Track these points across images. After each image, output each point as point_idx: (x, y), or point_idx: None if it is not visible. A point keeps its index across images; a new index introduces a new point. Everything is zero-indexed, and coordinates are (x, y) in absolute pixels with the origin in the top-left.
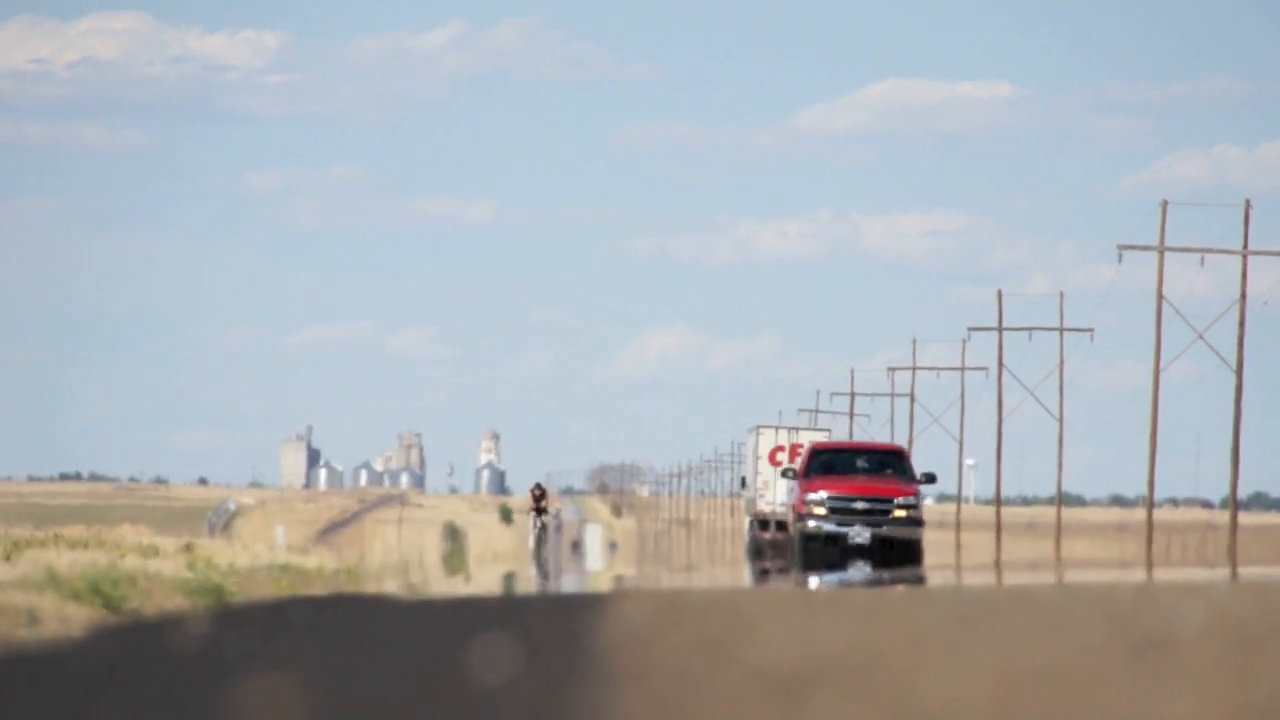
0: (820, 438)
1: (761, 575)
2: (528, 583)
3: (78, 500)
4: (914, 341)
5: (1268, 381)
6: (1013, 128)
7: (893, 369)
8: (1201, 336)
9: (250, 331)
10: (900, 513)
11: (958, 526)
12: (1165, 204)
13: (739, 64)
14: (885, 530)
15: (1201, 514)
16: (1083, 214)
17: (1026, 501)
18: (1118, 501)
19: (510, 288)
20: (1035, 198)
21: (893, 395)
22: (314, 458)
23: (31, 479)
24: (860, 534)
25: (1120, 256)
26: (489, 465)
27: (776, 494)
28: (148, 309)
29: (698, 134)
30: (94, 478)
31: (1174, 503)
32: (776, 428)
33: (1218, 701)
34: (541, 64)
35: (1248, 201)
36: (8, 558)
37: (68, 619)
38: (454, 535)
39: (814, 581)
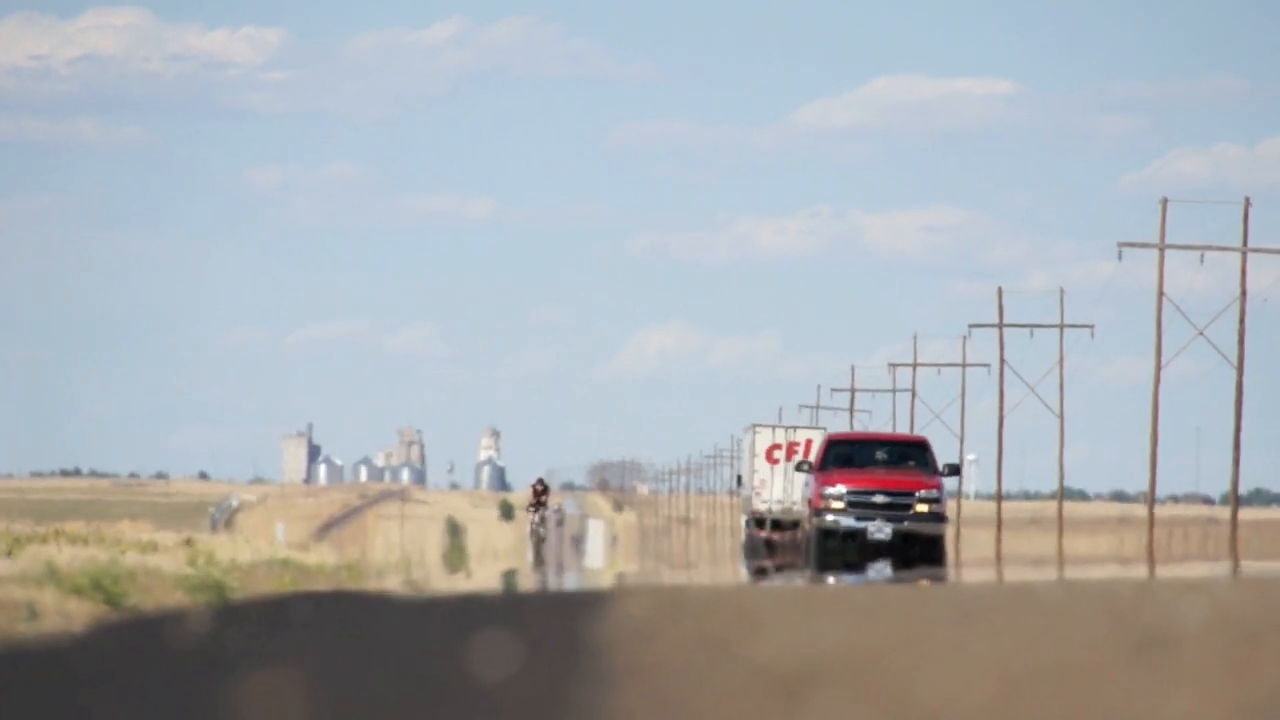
0: (816, 436)
1: (759, 573)
2: (528, 579)
3: (78, 496)
4: (915, 338)
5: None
6: (1013, 124)
7: (894, 365)
8: (1202, 333)
9: (251, 328)
10: (923, 507)
11: (958, 523)
12: (1165, 201)
13: (738, 61)
14: (907, 526)
15: (1202, 510)
16: (1083, 211)
17: (1028, 496)
18: (1119, 497)
19: (510, 285)
20: (1035, 194)
21: (894, 391)
22: (314, 454)
23: (33, 475)
24: (881, 529)
25: (1120, 253)
26: (489, 461)
27: (773, 492)
28: (148, 305)
29: (697, 131)
30: (95, 474)
31: (1174, 499)
32: (773, 426)
33: (1219, 698)
34: (541, 61)
35: (1247, 199)
36: (9, 553)
37: (68, 615)
38: (455, 531)
39: (832, 580)
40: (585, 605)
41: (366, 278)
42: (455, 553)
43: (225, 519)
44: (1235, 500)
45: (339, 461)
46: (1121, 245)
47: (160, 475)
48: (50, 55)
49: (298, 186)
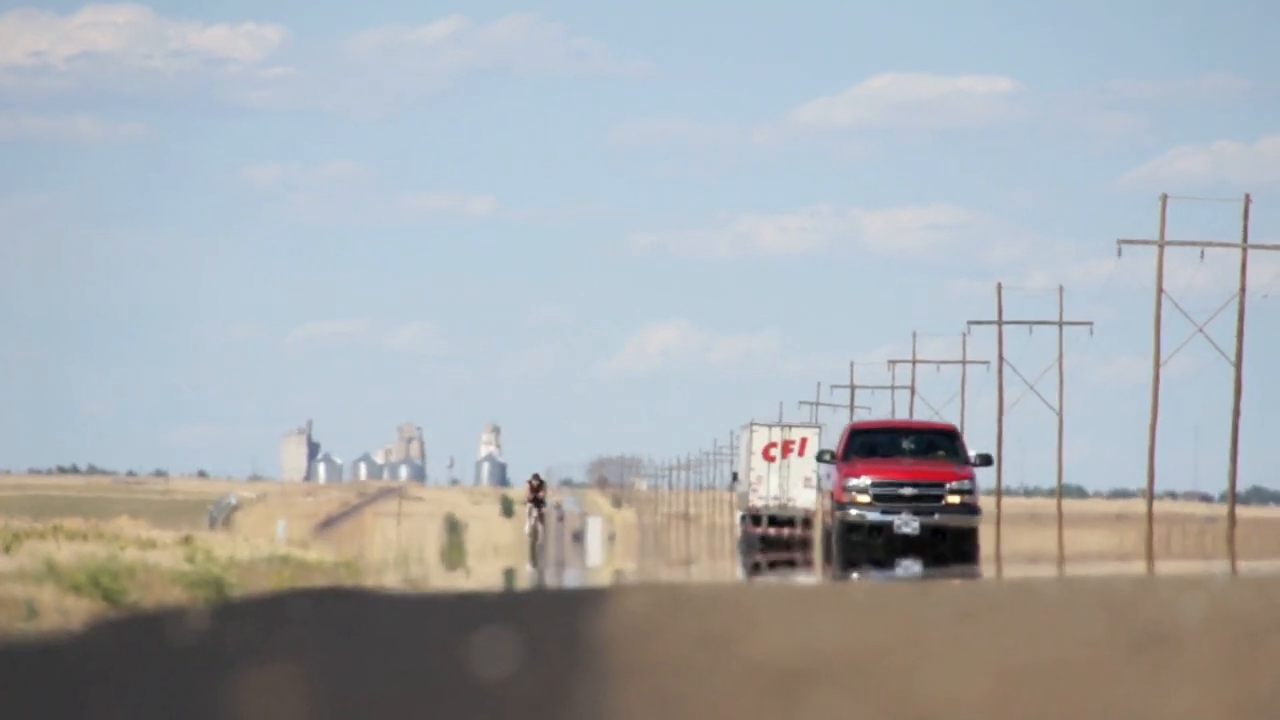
0: (811, 434)
1: (754, 569)
2: (527, 576)
3: (77, 493)
4: (914, 335)
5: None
6: (1013, 122)
7: (893, 362)
8: (1201, 330)
9: (250, 325)
10: (954, 499)
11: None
12: (1165, 198)
13: (739, 59)
14: (937, 519)
15: (1201, 507)
16: (1083, 208)
17: (1028, 493)
18: (1118, 494)
19: (510, 283)
20: (1035, 192)
21: (893, 388)
22: (314, 451)
23: (31, 472)
24: (908, 523)
25: (1120, 251)
26: (489, 458)
27: (769, 489)
28: (147, 302)
29: (698, 129)
30: (93, 471)
31: (1173, 496)
32: (770, 425)
33: (1218, 695)
34: (541, 59)
35: (1247, 196)
36: (7, 549)
37: (67, 611)
38: (454, 528)
39: (856, 576)
40: (584, 602)
41: (366, 275)
42: (454, 550)
43: (224, 517)
44: (1233, 498)
45: (338, 460)
46: (1121, 242)
47: (159, 473)
48: (49, 52)
49: (298, 184)
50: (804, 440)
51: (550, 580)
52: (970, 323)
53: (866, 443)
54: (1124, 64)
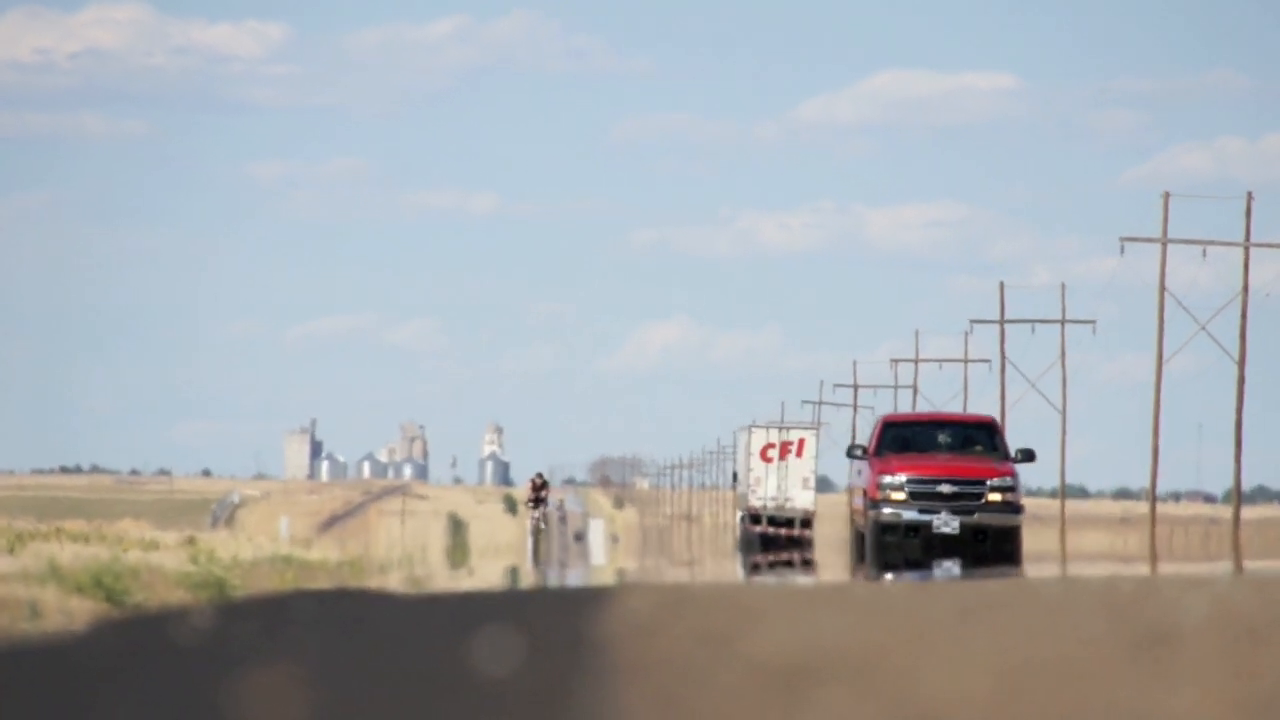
0: (809, 435)
1: (754, 569)
2: (530, 575)
3: (80, 493)
4: (916, 333)
5: (1270, 374)
6: (1015, 119)
7: (895, 360)
8: (1204, 328)
9: (253, 323)
10: (995, 496)
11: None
12: (1167, 196)
13: (740, 56)
14: (977, 518)
15: (1204, 508)
16: (1085, 206)
17: (1030, 493)
18: (1122, 494)
19: (512, 280)
20: (1037, 189)
21: (895, 387)
22: (317, 450)
23: (35, 471)
24: (947, 523)
25: (1122, 248)
26: (492, 456)
27: (768, 489)
28: (150, 300)
29: (699, 126)
30: (96, 470)
31: (1176, 496)
32: (767, 426)
33: (1220, 695)
34: (543, 56)
35: (1250, 194)
36: (10, 551)
37: (70, 612)
38: (457, 527)
39: (891, 578)
40: (587, 602)
41: (369, 273)
42: (458, 549)
43: (227, 515)
44: (1238, 497)
45: (341, 458)
46: (1124, 240)
47: (162, 471)
48: (52, 49)
49: (300, 181)
50: (801, 441)
51: (553, 580)
52: (972, 321)
53: (900, 436)
54: (1126, 61)
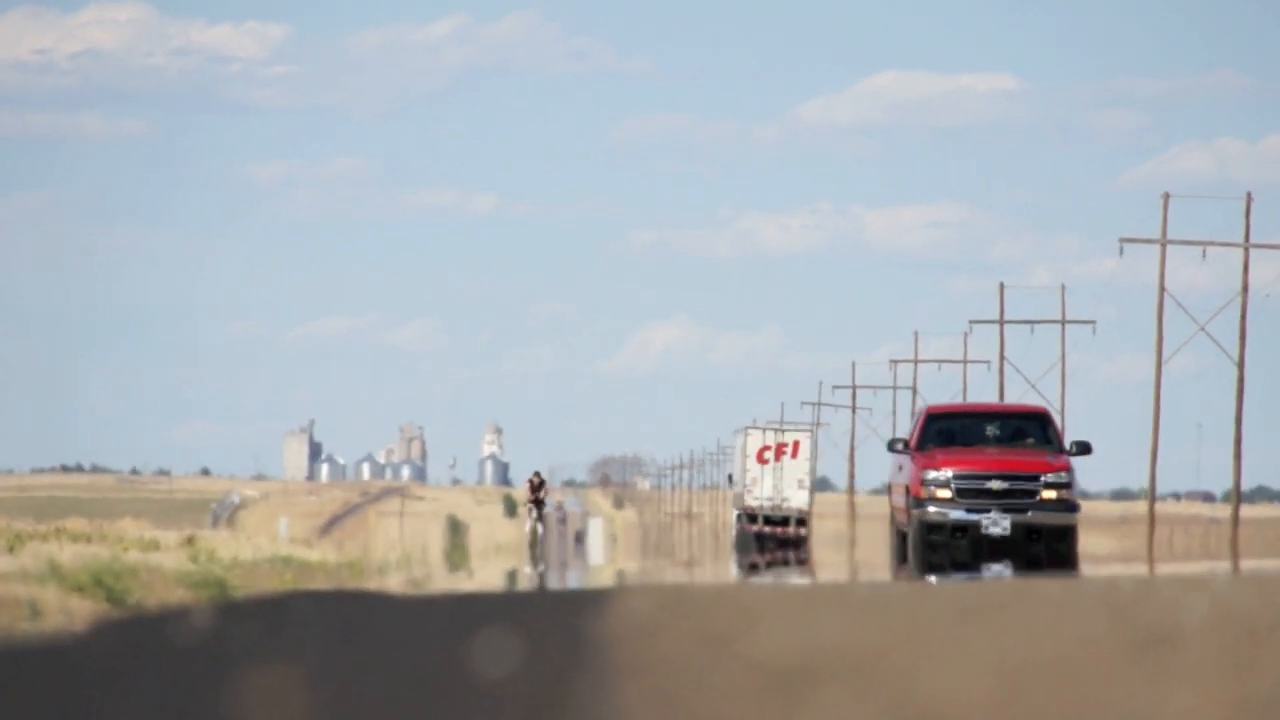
0: (804, 437)
1: (751, 569)
2: (529, 577)
3: (80, 493)
4: (916, 334)
5: (1269, 375)
6: (1015, 120)
7: (895, 361)
8: (1203, 329)
9: (252, 323)
10: (1049, 493)
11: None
12: (1167, 197)
13: (740, 57)
14: (1030, 517)
15: (1204, 507)
16: (1085, 207)
17: None
18: (1121, 494)
19: (512, 281)
20: (1037, 190)
21: (895, 388)
22: (316, 451)
23: (34, 471)
24: (997, 522)
25: (1122, 249)
26: (492, 457)
27: (764, 489)
28: (150, 300)
29: (699, 127)
30: (96, 469)
31: (1176, 496)
32: (763, 429)
33: (1220, 695)
34: (543, 57)
35: (1249, 195)
36: (10, 551)
37: (70, 612)
38: (456, 529)
39: (934, 580)
40: (586, 603)
41: (369, 273)
42: (457, 550)
43: (227, 516)
44: (1237, 497)
45: (341, 459)
46: (1123, 241)
47: (162, 471)
48: (53, 49)
49: (300, 182)
50: (796, 443)
51: (552, 581)
52: (972, 322)
53: (945, 429)
54: (1126, 62)
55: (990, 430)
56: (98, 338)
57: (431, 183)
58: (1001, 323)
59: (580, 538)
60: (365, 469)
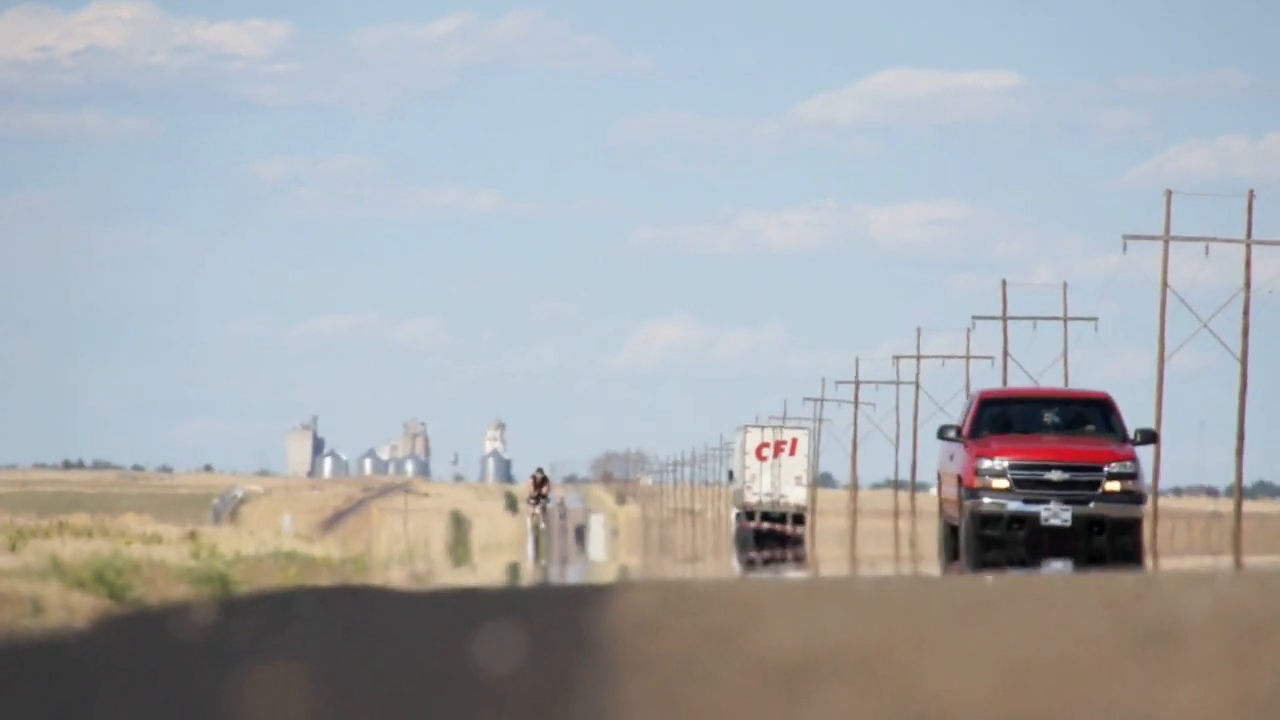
0: (801, 435)
1: (749, 565)
2: (531, 572)
3: (82, 489)
4: (918, 330)
5: (1272, 371)
6: (1018, 118)
7: (898, 358)
8: (1206, 326)
9: (255, 320)
10: (1113, 484)
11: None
12: (1170, 194)
13: (743, 55)
14: (1093, 508)
15: (1206, 502)
16: (1087, 204)
17: None
18: None
19: (515, 278)
20: (1040, 187)
21: (898, 384)
22: (319, 446)
23: (37, 466)
24: (1058, 514)
25: (1125, 246)
26: (494, 453)
27: (762, 486)
28: (153, 297)
29: (702, 125)
30: (99, 465)
31: (1177, 491)
32: (762, 427)
33: (1222, 691)
34: (545, 55)
35: (1251, 192)
36: (12, 547)
37: (72, 608)
38: (459, 524)
39: (990, 579)
40: (588, 598)
41: (371, 270)
42: (460, 546)
43: (229, 511)
44: (1239, 494)
45: (344, 455)
46: (1126, 238)
47: (165, 468)
48: (54, 47)
49: (303, 179)
50: (794, 441)
51: (554, 576)
52: (975, 318)
53: (1000, 415)
54: (1129, 59)
55: (1049, 417)
56: (100, 335)
57: (434, 180)
58: (1004, 319)
59: (581, 533)
60: (368, 465)
